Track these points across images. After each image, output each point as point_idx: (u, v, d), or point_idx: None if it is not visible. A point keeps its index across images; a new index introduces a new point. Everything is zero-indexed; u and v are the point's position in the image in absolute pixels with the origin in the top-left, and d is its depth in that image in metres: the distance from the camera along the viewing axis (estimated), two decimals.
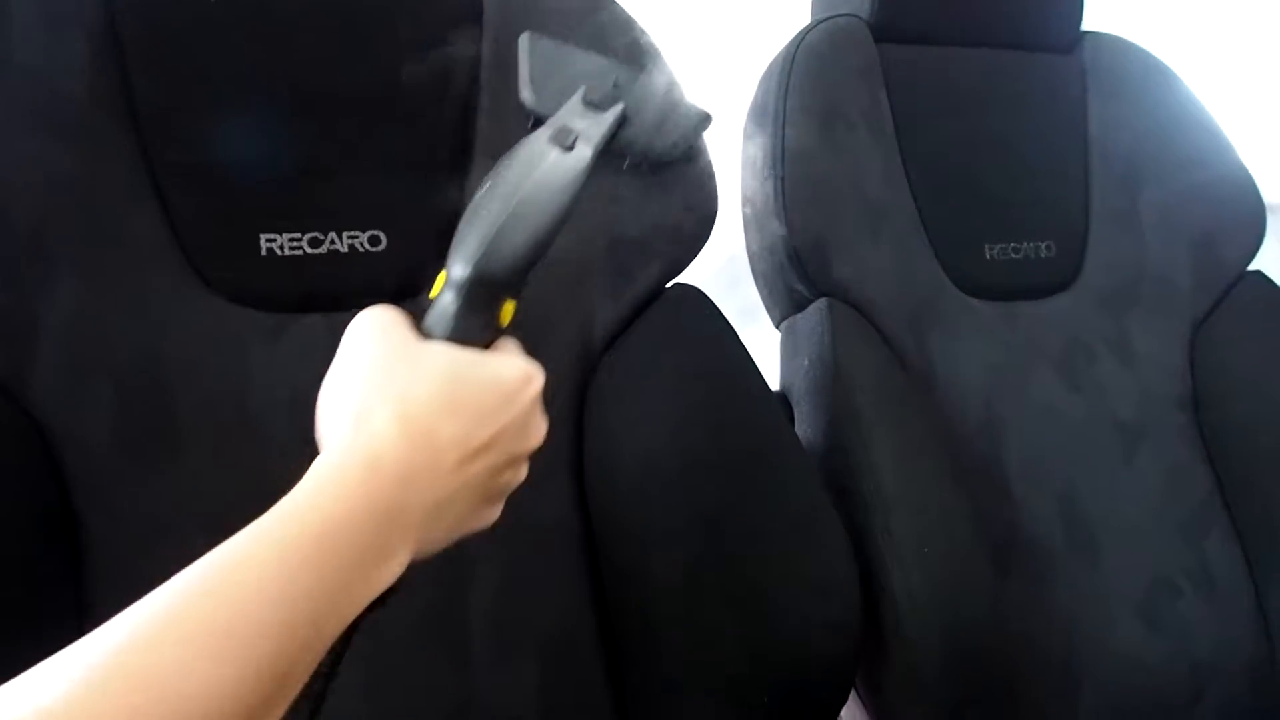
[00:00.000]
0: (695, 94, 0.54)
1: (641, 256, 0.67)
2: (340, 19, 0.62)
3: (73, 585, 0.53)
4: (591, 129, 0.46)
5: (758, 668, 0.58)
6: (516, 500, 0.64)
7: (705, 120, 0.53)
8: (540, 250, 0.43)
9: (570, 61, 0.51)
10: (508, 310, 0.43)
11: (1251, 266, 0.91)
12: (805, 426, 0.73)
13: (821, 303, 0.73)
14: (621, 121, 0.48)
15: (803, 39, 0.79)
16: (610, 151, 0.48)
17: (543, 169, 0.44)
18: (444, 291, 0.42)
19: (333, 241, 0.62)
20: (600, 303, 0.66)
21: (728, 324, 0.66)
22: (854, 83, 0.78)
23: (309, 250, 0.61)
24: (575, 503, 0.64)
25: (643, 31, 0.67)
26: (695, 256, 0.68)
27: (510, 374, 0.40)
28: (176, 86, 0.58)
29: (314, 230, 0.61)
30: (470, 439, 0.37)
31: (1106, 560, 0.79)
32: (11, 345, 0.53)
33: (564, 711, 0.59)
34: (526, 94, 0.50)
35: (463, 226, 0.43)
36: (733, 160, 0.83)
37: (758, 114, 0.78)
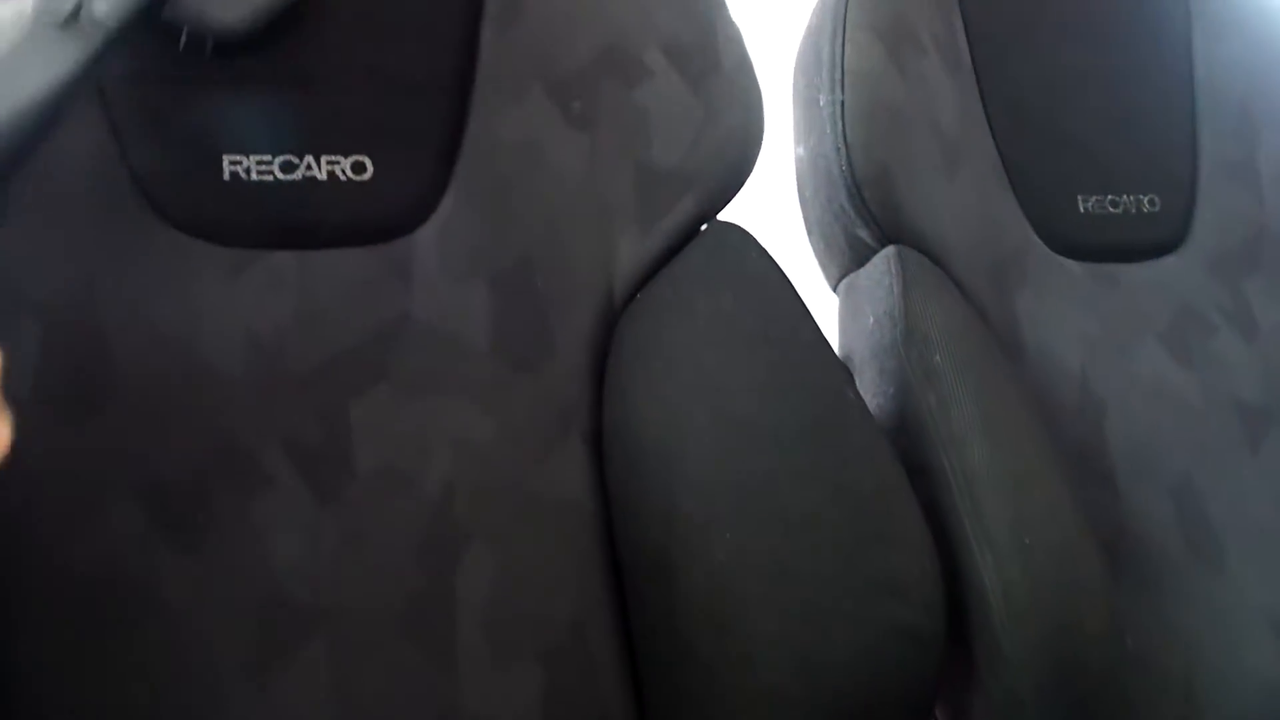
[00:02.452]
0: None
1: (673, 187, 0.56)
2: None
3: None
4: None
5: (811, 685, 0.47)
6: (519, 474, 0.55)
7: None
8: None
9: None
10: None
11: None
12: (870, 396, 0.61)
13: (889, 250, 0.62)
14: None
15: None
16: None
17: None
18: None
19: (309, 167, 0.53)
20: (625, 242, 0.55)
21: (779, 267, 0.55)
22: (925, 3, 0.68)
23: (280, 176, 0.52)
24: (592, 478, 0.53)
25: None
26: (739, 189, 0.58)
27: None
28: None
29: (287, 153, 0.52)
30: None
31: (1232, 566, 0.66)
32: None
33: None
34: None
35: None
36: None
37: (813, 34, 0.67)
